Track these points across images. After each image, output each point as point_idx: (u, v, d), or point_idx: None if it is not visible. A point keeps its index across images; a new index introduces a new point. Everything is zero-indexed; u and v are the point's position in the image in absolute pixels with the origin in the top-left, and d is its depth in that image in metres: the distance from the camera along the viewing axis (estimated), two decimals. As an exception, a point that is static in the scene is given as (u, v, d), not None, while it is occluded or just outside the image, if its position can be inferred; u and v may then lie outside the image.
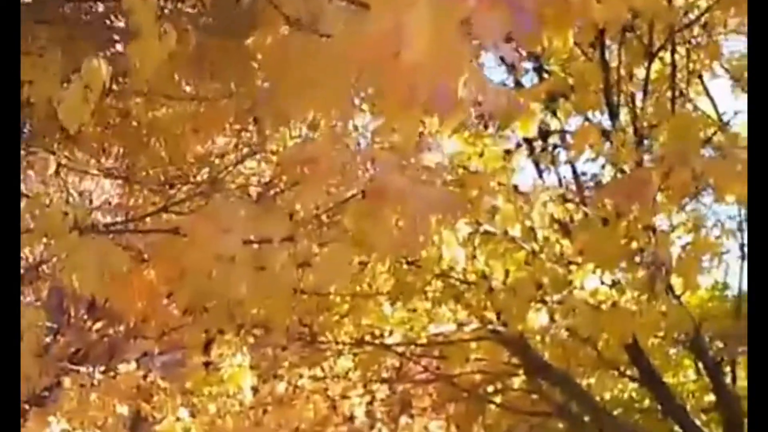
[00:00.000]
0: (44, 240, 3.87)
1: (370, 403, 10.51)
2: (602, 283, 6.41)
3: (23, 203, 3.77)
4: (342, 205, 4.11)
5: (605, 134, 5.43)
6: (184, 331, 10.82)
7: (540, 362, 8.33)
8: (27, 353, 3.75)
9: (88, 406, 9.44)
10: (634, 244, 5.33)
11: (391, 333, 8.84)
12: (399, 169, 3.87)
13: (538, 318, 7.60)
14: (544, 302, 7.12)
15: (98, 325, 13.31)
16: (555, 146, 6.22)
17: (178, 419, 10.52)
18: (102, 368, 9.99)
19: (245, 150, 6.05)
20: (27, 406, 11.31)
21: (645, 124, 5.37)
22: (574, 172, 7.42)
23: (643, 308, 6.02)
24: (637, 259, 5.58)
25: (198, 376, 9.45)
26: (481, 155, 6.85)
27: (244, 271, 3.96)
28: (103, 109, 5.84)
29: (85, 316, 13.79)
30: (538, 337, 8.54)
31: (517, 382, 10.01)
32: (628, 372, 8.55)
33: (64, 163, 3.74)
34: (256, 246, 4.18)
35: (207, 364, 8.59)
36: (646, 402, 9.61)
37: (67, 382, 9.57)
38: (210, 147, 5.94)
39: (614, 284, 6.32)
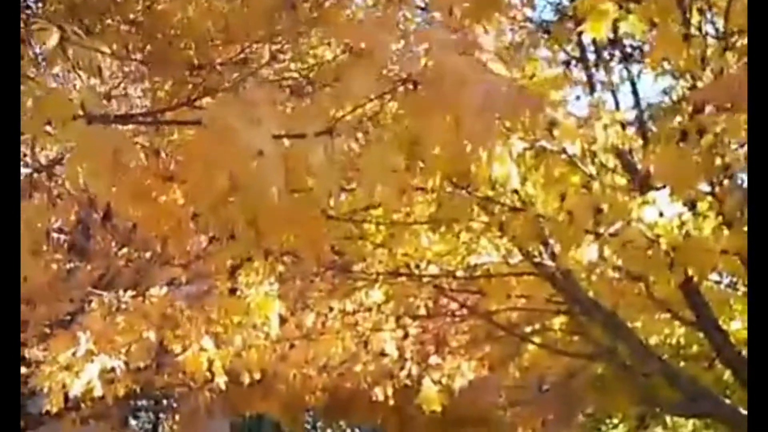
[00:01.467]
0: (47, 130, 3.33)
1: (403, 339, 10.06)
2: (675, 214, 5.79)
3: (23, 87, 3.24)
4: (388, 97, 3.56)
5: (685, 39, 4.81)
6: (211, 260, 10.50)
7: (586, 300, 7.79)
8: (25, 252, 3.25)
9: (114, 329, 9.04)
10: (718, 161, 4.75)
11: (428, 265, 8.34)
12: (458, 51, 3.30)
13: (587, 252, 7.09)
14: (598, 235, 6.58)
15: (124, 251, 12.98)
16: (626, 56, 5.58)
17: (202, 349, 10.10)
18: (130, 293, 9.56)
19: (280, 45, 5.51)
20: (49, 330, 11.05)
21: (733, 29, 4.73)
22: (635, 92, 6.79)
23: (718, 239, 5.43)
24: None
25: (223, 304, 9.00)
26: (532, 77, 6.28)
27: (274, 169, 3.43)
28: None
29: (112, 243, 13.47)
30: (583, 274, 8.02)
31: (557, 322, 9.50)
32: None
33: (71, 38, 3.21)
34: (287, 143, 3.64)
35: (233, 291, 8.11)
36: (694, 348, 9.09)
37: (93, 304, 9.17)
38: (243, 46, 5.40)
39: (692, 208, 5.72)
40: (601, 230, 6.41)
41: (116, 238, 13.14)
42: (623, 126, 6.38)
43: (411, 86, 3.45)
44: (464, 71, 3.35)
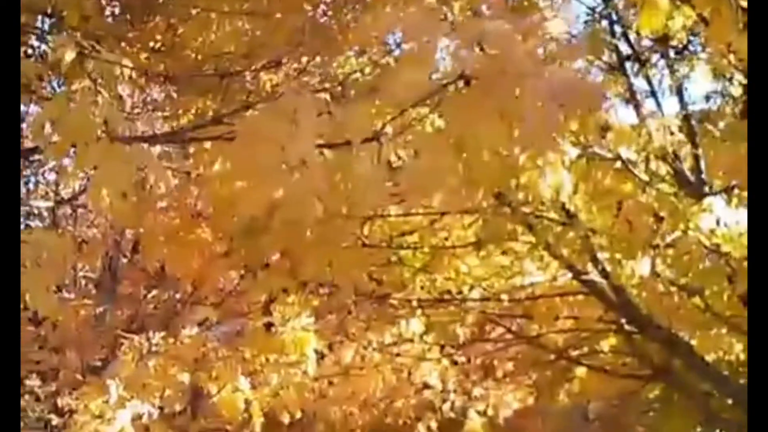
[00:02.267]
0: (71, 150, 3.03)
1: (446, 369, 9.66)
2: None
3: (44, 108, 2.98)
4: (438, 96, 3.22)
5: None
6: (244, 298, 10.17)
7: (641, 317, 7.36)
8: (50, 292, 2.96)
9: (146, 372, 8.71)
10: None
11: (470, 290, 7.96)
12: (516, 42, 2.97)
13: (640, 266, 6.70)
14: (655, 247, 6.20)
15: (154, 292, 12.67)
16: (672, 57, 5.22)
17: (237, 390, 9.71)
18: (161, 334, 9.22)
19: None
20: (81, 376, 10.72)
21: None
22: (680, 96, 6.42)
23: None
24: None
25: (258, 342, 8.63)
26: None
27: (319, 179, 3.10)
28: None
29: (141, 286, 13.16)
30: (635, 291, 7.61)
31: (607, 345, 9.06)
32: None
33: (90, 53, 2.94)
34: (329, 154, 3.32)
35: (268, 326, 7.76)
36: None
37: (124, 348, 8.84)
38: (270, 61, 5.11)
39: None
40: (657, 241, 6.05)
41: (145, 280, 12.82)
42: (671, 132, 6.04)
43: (462, 84, 3.12)
44: (524, 63, 3.01)
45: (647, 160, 5.43)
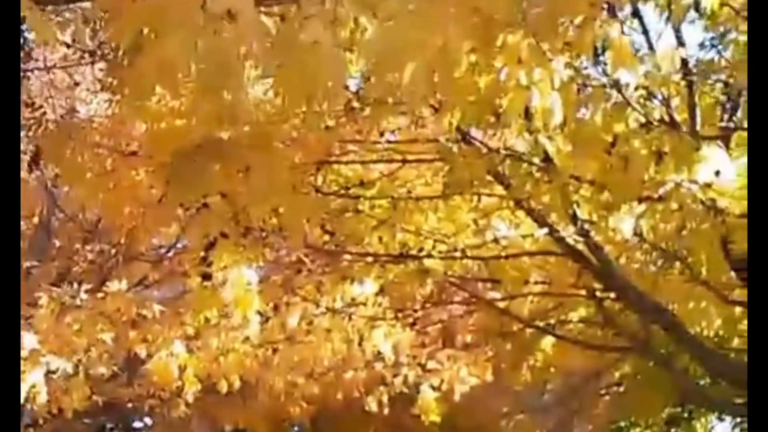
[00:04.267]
0: None
1: (400, 338, 8.83)
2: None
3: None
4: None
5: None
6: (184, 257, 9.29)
7: (620, 284, 6.61)
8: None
9: (65, 328, 7.79)
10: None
11: (433, 247, 7.16)
12: None
13: (622, 225, 5.95)
14: (644, 200, 5.43)
15: (88, 247, 11.73)
16: None
17: (172, 354, 8.83)
18: (84, 288, 8.29)
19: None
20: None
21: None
22: (678, 35, 5.61)
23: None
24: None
25: (195, 299, 7.72)
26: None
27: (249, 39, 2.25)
28: None
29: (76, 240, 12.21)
30: (615, 252, 6.88)
31: (577, 315, 8.32)
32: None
33: None
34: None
35: (205, 277, 6.87)
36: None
37: (42, 301, 7.89)
38: None
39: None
40: (649, 192, 5.28)
41: (79, 233, 11.88)
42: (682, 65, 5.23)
43: None
44: None
45: (648, 96, 4.61)
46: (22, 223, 12.12)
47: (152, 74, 2.57)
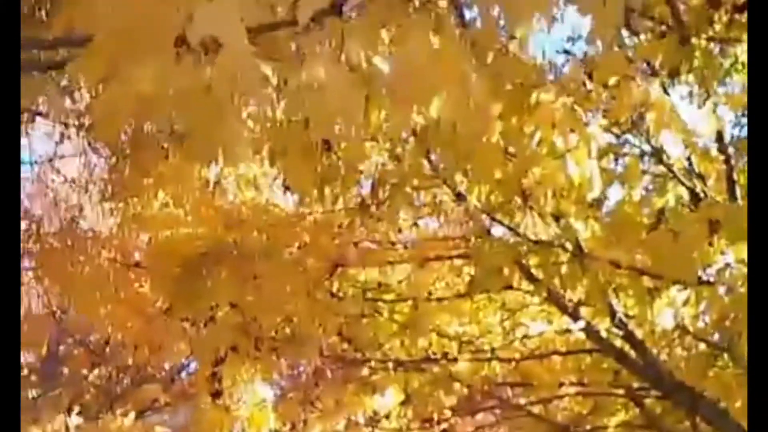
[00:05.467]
0: None
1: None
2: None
3: None
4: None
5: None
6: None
7: (666, 380, 6.05)
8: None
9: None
10: None
11: (459, 350, 6.66)
12: None
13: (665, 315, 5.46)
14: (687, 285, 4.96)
15: (96, 372, 11.23)
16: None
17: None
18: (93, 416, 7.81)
19: None
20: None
21: None
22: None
23: None
24: None
25: (205, 420, 7.18)
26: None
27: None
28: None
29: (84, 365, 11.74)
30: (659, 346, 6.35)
31: (619, 416, 7.72)
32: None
33: None
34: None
35: (216, 395, 6.38)
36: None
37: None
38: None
39: None
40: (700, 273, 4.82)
41: (88, 359, 11.41)
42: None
43: None
44: None
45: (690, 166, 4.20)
46: (29, 353, 11.73)
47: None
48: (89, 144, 6.35)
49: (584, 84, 3.52)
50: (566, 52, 4.75)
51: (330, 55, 1.98)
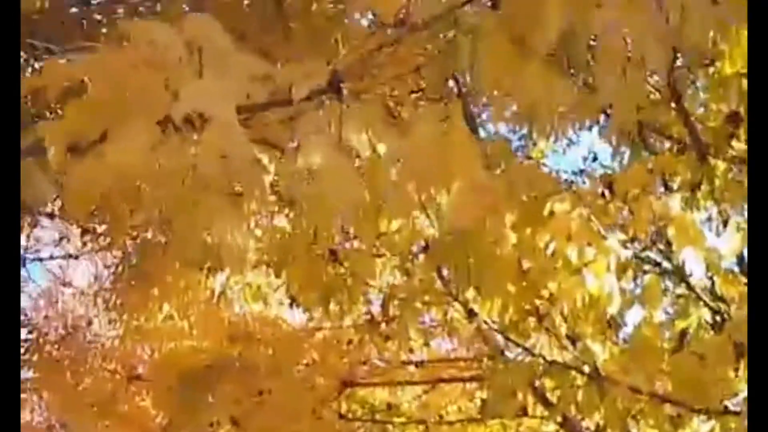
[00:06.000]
0: None
1: None
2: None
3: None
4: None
5: None
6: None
7: None
8: None
9: None
10: None
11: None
12: None
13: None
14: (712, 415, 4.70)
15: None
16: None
17: None
18: None
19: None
20: None
21: None
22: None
23: None
24: None
25: None
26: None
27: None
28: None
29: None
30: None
31: None
32: None
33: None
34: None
35: None
36: None
37: None
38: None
39: None
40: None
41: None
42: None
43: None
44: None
45: (713, 283, 4.02)
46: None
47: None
48: (95, 250, 6.26)
49: (602, 195, 3.39)
50: (582, 171, 4.62)
51: (328, 141, 1.84)
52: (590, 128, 5.87)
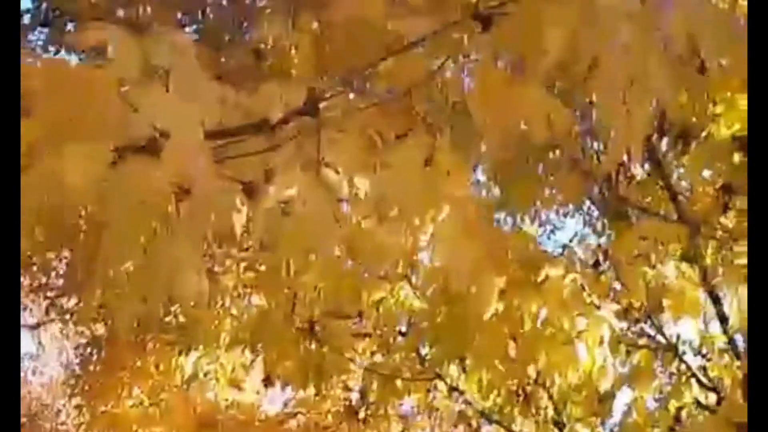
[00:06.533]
0: None
1: None
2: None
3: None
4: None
5: None
6: None
7: None
8: None
9: None
10: None
11: None
12: None
13: None
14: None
15: None
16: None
17: None
18: None
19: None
20: None
21: None
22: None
23: None
24: None
25: None
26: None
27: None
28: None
29: None
30: None
31: None
32: None
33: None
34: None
35: None
36: None
37: None
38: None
39: None
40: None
41: None
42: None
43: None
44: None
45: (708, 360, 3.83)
46: None
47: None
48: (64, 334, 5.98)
49: (596, 264, 3.24)
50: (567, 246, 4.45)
51: (305, 175, 1.68)
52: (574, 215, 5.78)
